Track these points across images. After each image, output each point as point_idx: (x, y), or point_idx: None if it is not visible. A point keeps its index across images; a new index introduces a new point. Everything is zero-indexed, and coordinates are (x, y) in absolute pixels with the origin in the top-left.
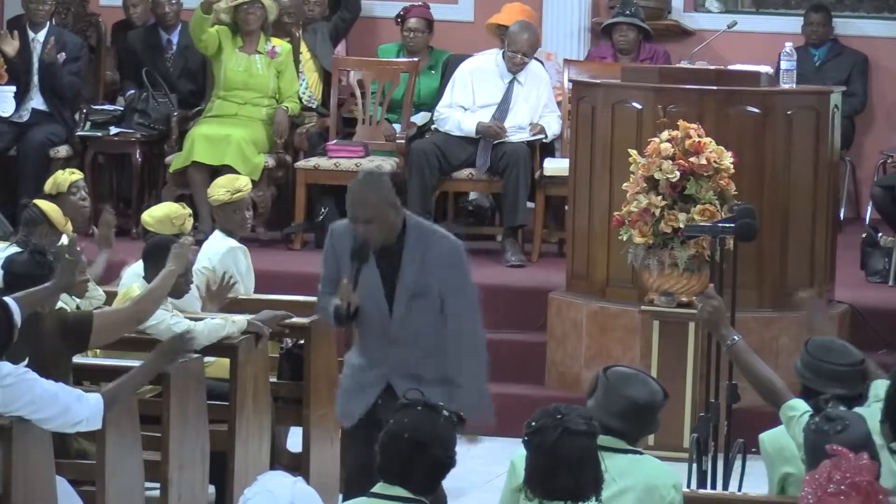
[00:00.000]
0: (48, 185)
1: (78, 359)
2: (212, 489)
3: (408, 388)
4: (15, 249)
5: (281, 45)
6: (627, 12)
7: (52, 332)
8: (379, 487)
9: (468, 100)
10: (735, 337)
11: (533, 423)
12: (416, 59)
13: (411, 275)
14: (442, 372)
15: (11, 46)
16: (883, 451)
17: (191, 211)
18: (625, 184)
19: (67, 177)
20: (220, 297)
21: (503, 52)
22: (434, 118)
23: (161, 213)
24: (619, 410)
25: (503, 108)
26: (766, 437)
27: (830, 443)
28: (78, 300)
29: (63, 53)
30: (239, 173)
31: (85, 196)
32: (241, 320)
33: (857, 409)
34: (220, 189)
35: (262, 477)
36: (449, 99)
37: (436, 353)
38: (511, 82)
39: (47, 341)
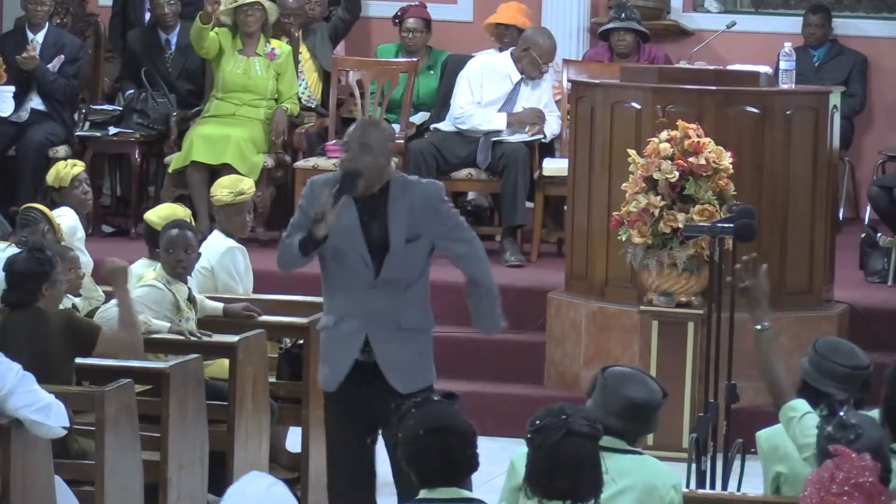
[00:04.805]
0: (50, 177)
1: (77, 358)
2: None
3: (386, 339)
4: (15, 250)
5: (280, 46)
6: (623, 16)
7: (58, 331)
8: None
9: (477, 96)
10: (766, 323)
11: (537, 422)
12: (414, 60)
13: (403, 217)
14: (420, 321)
15: (32, 64)
16: None
17: (191, 213)
18: (624, 184)
19: (69, 170)
20: None
21: (510, 52)
22: (456, 115)
23: (165, 213)
24: (616, 410)
25: (507, 107)
26: (763, 435)
27: None
28: (74, 299)
29: (62, 55)
30: (238, 172)
31: (87, 189)
32: (158, 325)
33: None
34: (223, 190)
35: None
36: (469, 96)
37: (416, 299)
38: (518, 83)
39: (53, 339)
